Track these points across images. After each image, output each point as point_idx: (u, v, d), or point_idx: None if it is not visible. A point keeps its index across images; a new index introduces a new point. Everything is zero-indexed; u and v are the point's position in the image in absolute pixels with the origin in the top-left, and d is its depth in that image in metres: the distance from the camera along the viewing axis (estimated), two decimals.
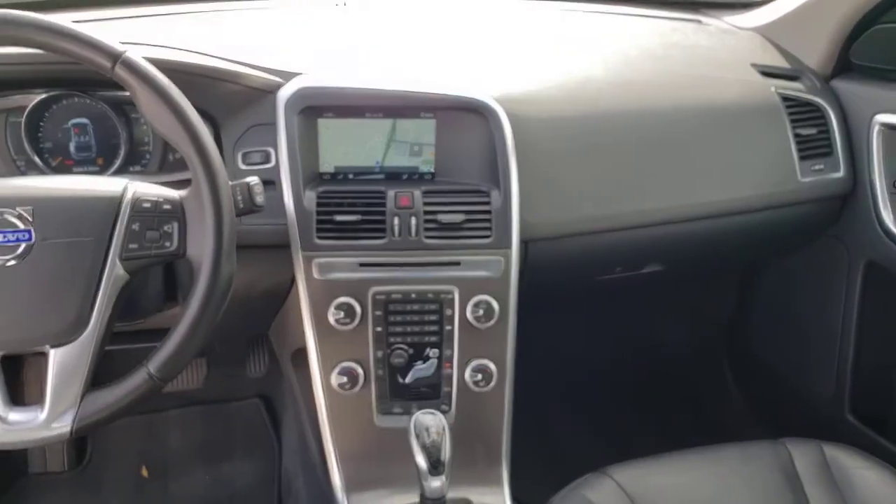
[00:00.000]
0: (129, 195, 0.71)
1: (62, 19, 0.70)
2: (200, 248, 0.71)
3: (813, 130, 1.17)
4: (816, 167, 1.16)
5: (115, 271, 0.70)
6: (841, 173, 1.18)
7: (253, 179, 0.77)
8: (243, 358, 1.50)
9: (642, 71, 1.16)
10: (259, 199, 0.78)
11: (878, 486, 0.97)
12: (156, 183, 0.77)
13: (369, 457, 0.96)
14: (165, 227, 0.72)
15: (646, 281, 1.31)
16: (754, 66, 1.21)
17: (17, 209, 0.68)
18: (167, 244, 0.72)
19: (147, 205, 0.72)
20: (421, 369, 0.96)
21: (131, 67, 0.70)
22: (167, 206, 0.72)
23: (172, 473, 1.45)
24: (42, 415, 0.69)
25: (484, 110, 0.95)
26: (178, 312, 1.01)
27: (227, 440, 1.51)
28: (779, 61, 1.25)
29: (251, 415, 1.53)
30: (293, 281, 0.96)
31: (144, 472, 1.47)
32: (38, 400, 0.69)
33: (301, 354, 1.00)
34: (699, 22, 1.36)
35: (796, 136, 1.15)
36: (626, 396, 1.42)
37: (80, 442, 1.47)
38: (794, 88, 1.19)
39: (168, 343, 0.71)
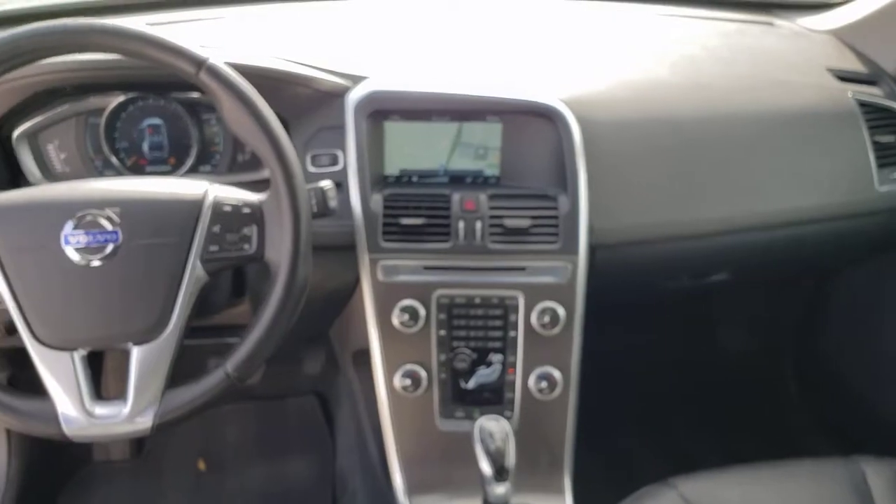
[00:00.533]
0: (210, 198, 0.73)
1: (137, 24, 0.72)
2: (278, 251, 0.72)
3: (892, 138, 1.12)
4: (895, 175, 1.12)
5: (195, 272, 0.72)
6: None
7: (326, 184, 0.78)
8: (300, 356, 1.53)
9: (711, 74, 1.14)
10: (332, 203, 0.79)
11: None
12: (226, 183, 0.78)
13: (431, 460, 0.96)
14: (245, 230, 0.73)
15: (711, 289, 1.29)
16: (830, 70, 1.17)
17: (106, 210, 0.70)
18: (246, 247, 0.73)
19: (227, 208, 0.73)
20: (484, 374, 0.96)
21: (215, 74, 0.71)
22: (247, 210, 0.73)
23: (228, 468, 1.48)
24: (125, 409, 0.71)
25: (552, 114, 0.95)
26: (246, 309, 1.04)
27: (282, 436, 1.53)
28: (856, 65, 1.20)
29: (306, 412, 1.55)
30: (357, 282, 0.96)
31: (202, 465, 1.50)
32: (120, 395, 0.71)
33: (362, 355, 1.00)
34: (771, 24, 1.32)
35: (874, 143, 1.10)
36: (688, 406, 1.39)
37: None
38: (873, 94, 1.15)
39: (245, 343, 0.73)
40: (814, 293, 1.42)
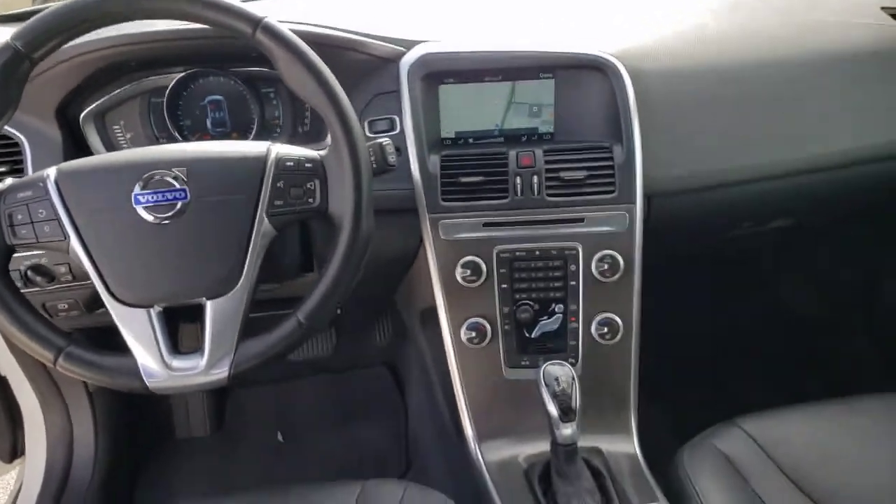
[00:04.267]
0: (273, 155, 0.75)
1: None
2: (341, 204, 0.74)
3: None
4: None
5: (263, 227, 0.74)
6: None
7: (385, 139, 0.81)
8: (370, 327, 1.58)
9: (761, 20, 1.13)
10: (391, 158, 0.81)
11: None
12: None
13: (499, 408, 0.99)
14: (308, 185, 0.75)
15: (778, 238, 1.27)
16: (885, 9, 1.15)
17: (174, 170, 0.73)
18: (310, 200, 0.75)
19: (290, 163, 0.75)
20: (547, 324, 0.99)
21: (271, 32, 0.73)
22: (308, 165, 0.76)
23: (305, 438, 1.55)
24: (202, 361, 0.73)
25: (604, 66, 0.96)
26: (314, 279, 1.09)
27: (356, 406, 1.59)
28: None
29: (377, 381, 1.61)
30: (420, 244, 1.00)
31: (280, 437, 1.57)
32: (196, 348, 0.74)
33: (429, 314, 1.04)
34: None
35: None
36: (755, 356, 1.38)
37: (219, 409, 1.59)
38: None
39: (315, 293, 0.75)
40: (883, 240, 1.39)
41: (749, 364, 1.35)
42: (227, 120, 1.03)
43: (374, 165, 0.80)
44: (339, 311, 0.80)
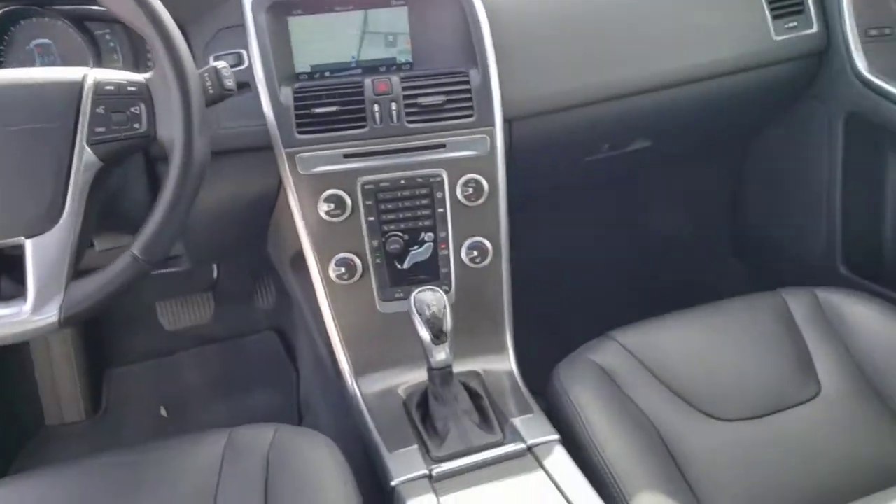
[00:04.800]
0: (90, 80, 0.70)
1: None
2: (171, 127, 0.70)
3: None
4: (790, 25, 1.17)
5: (84, 157, 0.69)
6: (814, 29, 1.18)
7: (220, 63, 0.76)
8: (250, 291, 1.52)
9: None
10: (229, 82, 0.76)
11: (867, 318, 1.00)
12: None
13: (376, 342, 0.98)
14: (132, 109, 0.70)
15: (641, 163, 1.32)
16: None
17: None
18: (136, 126, 0.71)
19: (110, 87, 0.70)
20: (418, 253, 0.98)
21: None
22: (132, 88, 0.71)
23: (192, 411, 1.48)
24: (26, 306, 0.67)
25: None
26: None
27: (245, 374, 1.53)
28: None
29: (266, 347, 1.56)
30: (281, 184, 0.96)
31: (164, 412, 1.49)
32: (21, 293, 0.68)
33: (299, 258, 1.01)
34: None
35: None
36: (627, 276, 1.44)
37: (94, 391, 1.50)
38: None
39: (149, 224, 0.71)
40: (738, 160, 1.48)
41: (623, 282, 1.40)
42: (58, 63, 0.95)
43: (211, 90, 0.76)
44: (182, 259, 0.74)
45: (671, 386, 0.94)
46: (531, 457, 0.81)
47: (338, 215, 0.94)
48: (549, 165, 1.19)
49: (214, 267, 1.49)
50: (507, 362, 0.98)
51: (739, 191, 1.51)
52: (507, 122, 1.01)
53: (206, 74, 0.75)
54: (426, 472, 0.80)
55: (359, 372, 0.97)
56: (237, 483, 0.76)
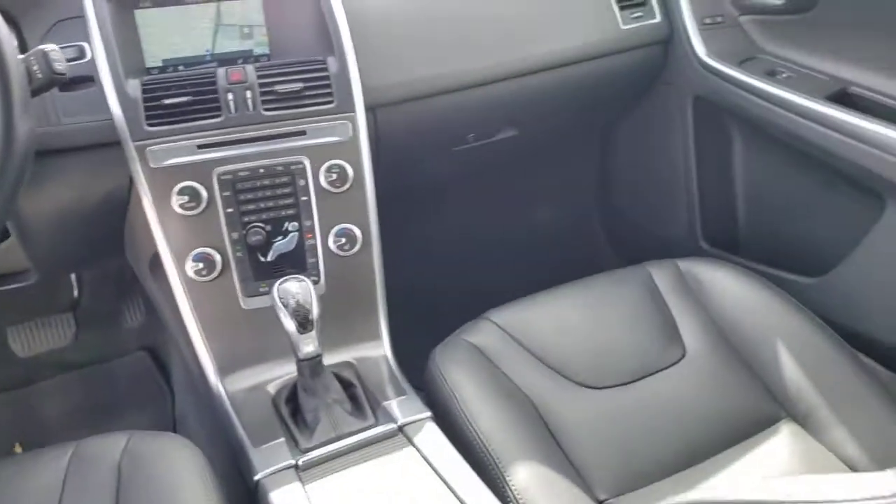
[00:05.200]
0: None
1: None
2: None
3: None
4: (635, 15, 1.24)
5: None
6: (657, 19, 1.26)
7: (48, 46, 0.72)
8: (117, 309, 1.42)
9: None
10: (59, 65, 0.71)
11: (723, 283, 1.05)
12: None
13: (241, 339, 0.93)
14: None
15: (510, 153, 1.35)
16: None
17: None
18: None
19: None
20: (282, 244, 0.95)
21: None
22: None
23: (52, 444, 1.35)
24: None
25: None
26: (15, 255, 0.94)
27: (114, 400, 1.42)
28: None
29: (136, 369, 1.45)
30: (132, 181, 0.91)
31: (18, 449, 1.35)
32: None
33: (158, 260, 0.95)
34: None
35: None
36: (504, 264, 1.45)
37: None
38: None
39: None
40: (604, 147, 1.54)
41: (501, 270, 1.42)
42: None
43: (39, 75, 0.71)
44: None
45: (545, 360, 0.96)
46: (402, 436, 0.79)
47: (193, 208, 0.89)
48: (419, 155, 1.19)
49: (74, 284, 1.39)
50: (381, 349, 0.96)
51: (606, 176, 1.57)
52: (371, 109, 1.01)
53: (31, 58, 0.70)
54: (292, 462, 0.76)
55: (224, 371, 0.91)
56: (83, 496, 0.69)
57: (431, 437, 0.79)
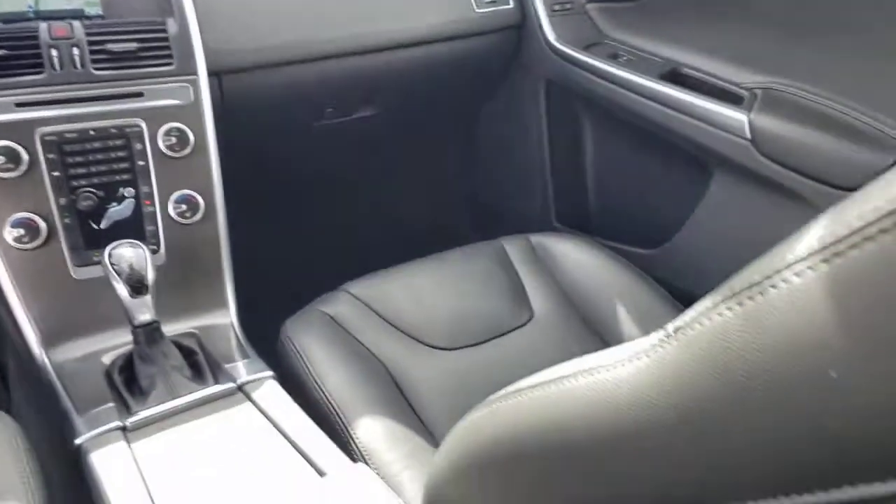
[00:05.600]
0: None
1: None
2: None
3: None
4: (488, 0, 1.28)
5: None
6: (510, 5, 1.30)
7: None
8: None
9: None
10: None
11: (570, 254, 1.10)
12: None
13: (71, 310, 0.87)
14: None
15: (375, 133, 1.34)
16: None
17: None
18: None
19: None
20: (117, 211, 0.89)
21: None
22: None
23: None
24: None
25: None
26: None
27: None
28: None
29: None
30: None
31: None
32: None
33: None
34: None
35: None
36: (367, 245, 1.45)
37: None
38: None
39: None
40: (470, 137, 1.57)
41: (361, 248, 1.41)
42: None
43: None
44: None
45: (399, 326, 0.96)
46: (241, 395, 0.77)
47: (10, 170, 0.82)
48: (277, 127, 1.17)
49: None
50: (227, 318, 0.93)
51: (469, 160, 1.61)
52: (216, 74, 0.98)
53: None
54: (119, 425, 0.71)
55: (51, 341, 0.85)
56: None
57: (272, 393, 0.77)
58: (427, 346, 0.94)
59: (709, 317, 0.29)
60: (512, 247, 1.13)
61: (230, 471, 0.64)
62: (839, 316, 0.24)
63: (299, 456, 0.66)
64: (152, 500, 0.60)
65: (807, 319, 0.25)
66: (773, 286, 0.26)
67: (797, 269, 0.25)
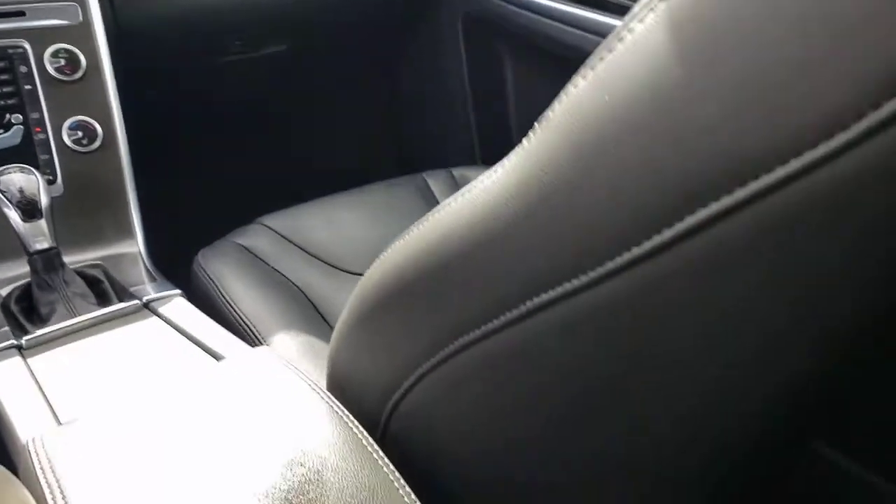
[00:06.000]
0: None
1: None
2: None
3: None
4: None
5: None
6: None
7: None
8: None
9: None
10: None
11: None
12: None
13: None
14: None
15: (288, 72, 1.30)
16: None
17: None
18: None
19: None
20: (5, 139, 0.84)
21: None
22: None
23: None
24: None
25: None
26: None
27: None
28: None
29: None
30: None
31: None
32: None
33: None
34: None
35: None
36: (286, 181, 1.40)
37: None
38: None
39: None
40: (388, 76, 1.54)
41: (281, 184, 1.36)
42: None
43: None
44: None
45: (318, 255, 0.94)
46: (147, 311, 0.73)
47: None
48: (183, 56, 1.11)
49: None
50: (133, 246, 0.89)
51: (392, 99, 1.58)
52: None
53: None
54: (14, 343, 0.68)
55: None
56: None
57: (180, 307, 0.74)
58: (345, 271, 0.92)
59: (566, 93, 0.29)
60: (435, 180, 1.12)
61: (131, 374, 0.61)
62: (678, 46, 0.24)
63: (198, 348, 0.64)
64: (51, 409, 0.57)
65: (649, 61, 0.25)
66: (620, 39, 0.26)
67: (640, 16, 0.25)
